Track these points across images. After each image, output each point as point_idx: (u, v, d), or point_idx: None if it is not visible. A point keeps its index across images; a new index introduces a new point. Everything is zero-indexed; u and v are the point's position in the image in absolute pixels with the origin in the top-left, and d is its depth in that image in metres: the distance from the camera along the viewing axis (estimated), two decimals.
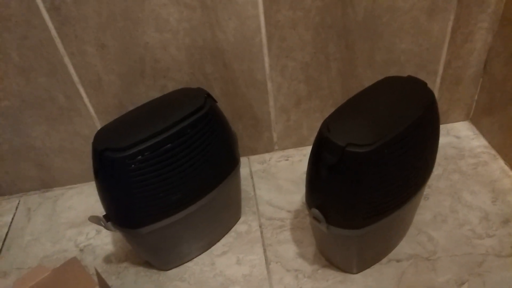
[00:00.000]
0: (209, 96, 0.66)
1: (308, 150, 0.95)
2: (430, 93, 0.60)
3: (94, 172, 0.61)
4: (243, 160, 0.93)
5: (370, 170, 0.54)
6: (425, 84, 0.62)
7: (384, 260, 0.71)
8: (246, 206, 0.84)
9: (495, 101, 0.85)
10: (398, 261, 0.70)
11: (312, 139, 0.93)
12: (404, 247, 0.72)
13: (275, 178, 0.89)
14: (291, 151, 0.95)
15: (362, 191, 0.55)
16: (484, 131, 0.92)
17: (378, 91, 0.62)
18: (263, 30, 0.76)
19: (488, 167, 0.85)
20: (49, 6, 0.69)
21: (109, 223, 0.65)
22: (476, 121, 0.94)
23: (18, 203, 0.92)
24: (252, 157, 0.95)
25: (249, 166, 0.93)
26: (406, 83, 0.62)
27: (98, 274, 0.65)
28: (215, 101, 0.67)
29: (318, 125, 0.91)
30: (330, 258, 0.71)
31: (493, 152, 0.88)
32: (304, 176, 0.88)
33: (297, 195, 0.85)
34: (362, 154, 0.52)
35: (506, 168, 0.84)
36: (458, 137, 0.93)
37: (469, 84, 0.90)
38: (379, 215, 0.59)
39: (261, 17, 0.74)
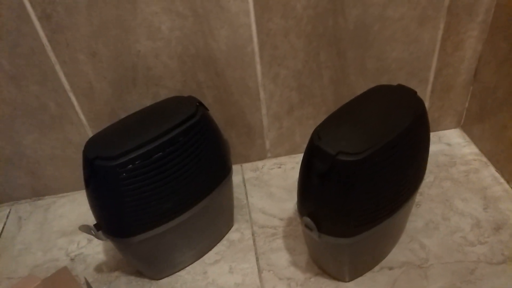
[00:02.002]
0: (200, 104, 0.66)
1: (301, 157, 0.95)
2: (420, 102, 0.61)
3: (85, 181, 0.61)
4: (236, 167, 0.93)
5: (361, 179, 0.54)
6: (415, 92, 0.62)
7: (377, 268, 0.71)
8: (238, 214, 0.84)
9: (486, 109, 0.86)
10: (390, 268, 0.70)
11: (305, 146, 0.94)
12: (396, 255, 0.72)
13: (268, 186, 0.89)
14: (284, 159, 0.95)
15: (353, 199, 0.56)
16: (475, 138, 0.92)
17: (369, 100, 0.62)
18: (255, 39, 0.76)
19: (479, 174, 0.85)
20: (40, 14, 0.69)
21: (99, 232, 0.64)
22: (467, 129, 0.95)
23: (9, 212, 0.91)
24: (245, 165, 0.95)
25: (242, 174, 0.93)
26: (396, 92, 0.63)
27: (88, 284, 0.64)
28: (206, 109, 0.67)
29: (310, 132, 0.91)
30: (323, 266, 0.70)
31: (484, 159, 0.88)
32: (297, 184, 0.89)
33: (290, 202, 0.85)
34: (353, 163, 0.52)
35: (497, 175, 0.85)
36: (449, 144, 0.93)
37: (460, 92, 0.90)
38: (371, 223, 0.59)
39: (253, 26, 0.75)
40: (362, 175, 0.54)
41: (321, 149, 0.54)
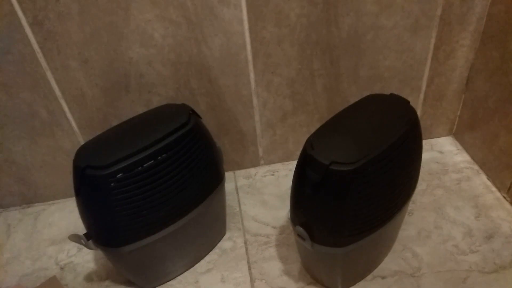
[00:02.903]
0: (193, 112, 0.66)
1: (294, 164, 0.94)
2: (413, 111, 0.61)
3: (75, 190, 0.60)
4: (229, 174, 0.93)
5: (354, 188, 0.54)
6: (408, 102, 0.62)
7: (369, 277, 0.71)
8: (231, 222, 0.83)
9: (478, 117, 0.87)
10: (383, 277, 0.70)
11: (298, 153, 0.94)
12: (388, 264, 0.72)
13: (261, 193, 0.89)
14: (277, 166, 0.95)
15: (346, 209, 0.55)
16: (467, 146, 0.93)
17: (362, 109, 0.62)
18: (249, 46, 0.76)
19: (471, 182, 0.86)
20: (31, 21, 0.68)
21: (90, 242, 0.64)
22: (459, 136, 0.96)
23: None
24: (238, 172, 0.95)
25: (234, 181, 0.92)
26: (388, 101, 0.63)
27: None
28: (199, 117, 0.67)
29: (304, 139, 0.90)
30: (315, 275, 0.70)
31: (476, 167, 0.89)
32: (290, 192, 0.88)
33: (283, 210, 0.84)
34: (346, 172, 0.52)
35: (489, 183, 0.85)
36: (441, 152, 0.94)
37: (452, 100, 0.91)
38: (364, 232, 0.59)
39: (246, 34, 0.75)
40: (355, 185, 0.54)
41: (314, 158, 0.54)
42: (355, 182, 0.54)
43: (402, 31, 0.79)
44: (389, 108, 0.61)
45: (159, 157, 0.60)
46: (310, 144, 0.56)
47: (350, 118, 0.61)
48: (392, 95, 0.63)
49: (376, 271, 0.71)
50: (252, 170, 0.95)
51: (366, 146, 0.55)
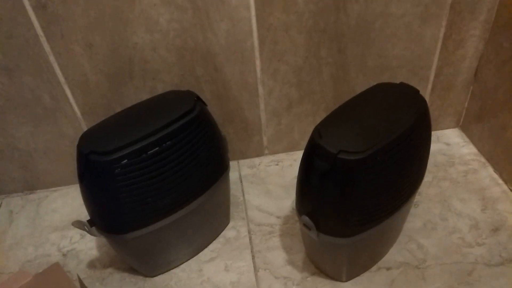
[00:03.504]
0: (198, 99, 0.65)
1: (299, 155, 0.94)
2: (423, 101, 0.60)
3: (79, 176, 0.60)
4: (233, 163, 0.92)
5: (362, 178, 0.53)
6: (418, 91, 0.61)
7: (374, 268, 0.70)
8: (235, 211, 0.83)
9: (486, 109, 0.85)
10: (388, 269, 0.70)
11: (303, 143, 0.93)
12: (394, 255, 0.71)
13: (265, 183, 0.88)
14: (281, 156, 0.94)
15: (353, 198, 0.55)
16: (474, 139, 0.92)
17: (370, 98, 0.61)
18: (255, 33, 0.75)
19: (477, 174, 0.85)
20: (35, 4, 0.67)
21: (93, 228, 0.63)
22: (466, 128, 0.94)
23: (0, 205, 0.89)
24: (242, 161, 0.94)
25: (238, 170, 0.92)
26: (398, 90, 0.62)
27: (80, 281, 0.63)
28: (205, 104, 0.66)
29: (309, 129, 0.90)
30: (320, 265, 0.70)
31: (483, 159, 0.88)
32: (294, 182, 0.87)
33: (287, 200, 0.84)
34: (354, 162, 0.51)
35: (496, 176, 0.84)
36: (448, 144, 0.93)
37: (460, 91, 0.90)
38: (371, 223, 0.58)
39: (253, 20, 0.73)
40: (363, 175, 0.53)
41: (322, 147, 0.53)
42: (363, 172, 0.53)
43: (411, 19, 0.77)
44: (398, 97, 0.60)
45: (164, 144, 0.59)
46: (317, 132, 0.55)
47: (359, 107, 0.59)
48: (401, 84, 0.62)
49: (381, 262, 0.71)
50: (256, 160, 0.94)
51: (375, 135, 0.54)
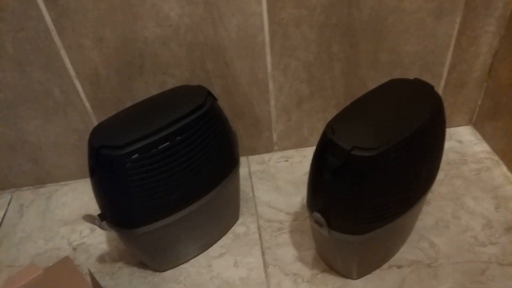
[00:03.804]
0: (209, 94, 0.64)
1: (308, 151, 0.94)
2: (437, 97, 0.59)
3: (90, 170, 0.59)
4: (242, 159, 0.92)
5: (375, 175, 0.52)
6: (432, 87, 0.60)
7: (385, 266, 0.69)
8: (244, 207, 0.82)
9: (500, 106, 0.84)
10: (399, 267, 0.69)
11: (313, 140, 0.93)
12: (405, 253, 0.71)
13: (274, 179, 0.88)
14: (291, 152, 0.94)
15: (366, 195, 0.54)
16: (487, 136, 0.90)
17: (384, 94, 0.60)
18: (266, 28, 0.74)
19: (491, 173, 0.84)
20: None
21: (103, 223, 0.63)
22: (479, 126, 0.93)
23: (11, 199, 0.90)
24: (251, 157, 0.93)
25: (248, 166, 0.91)
26: (412, 86, 0.61)
27: (91, 275, 0.63)
28: (215, 99, 0.65)
29: (319, 126, 0.90)
30: (330, 262, 0.69)
31: (496, 158, 0.87)
32: (304, 178, 0.87)
33: (297, 197, 0.83)
34: (368, 158, 0.51)
35: (509, 174, 0.83)
36: (460, 141, 0.91)
37: (473, 88, 0.88)
38: (383, 220, 0.57)
39: (264, 15, 0.73)
40: (377, 171, 0.52)
41: (335, 143, 0.52)
42: (377, 169, 0.52)
43: (425, 15, 0.76)
44: (413, 94, 0.59)
45: (174, 139, 0.58)
46: (330, 128, 0.54)
47: (372, 102, 0.59)
48: (416, 80, 0.61)
49: (392, 260, 0.70)
50: (266, 156, 0.93)
51: (389, 131, 0.53)
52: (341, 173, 0.53)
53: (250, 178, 0.89)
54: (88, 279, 0.62)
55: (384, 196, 0.55)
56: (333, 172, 0.53)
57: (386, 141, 0.52)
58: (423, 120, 0.54)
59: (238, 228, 0.79)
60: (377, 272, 0.69)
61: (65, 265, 0.63)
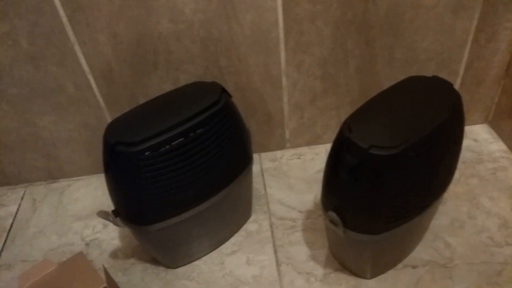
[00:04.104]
0: (224, 90, 0.64)
1: (321, 148, 0.93)
2: (457, 95, 0.58)
3: (104, 166, 0.59)
4: (254, 156, 0.90)
5: (393, 174, 0.51)
6: (451, 84, 0.59)
7: (400, 265, 0.69)
8: (256, 204, 0.82)
9: None
10: (414, 267, 0.68)
11: (326, 137, 0.92)
12: (420, 253, 0.70)
13: (287, 177, 0.87)
14: (303, 149, 0.93)
15: (383, 195, 0.53)
16: (503, 135, 0.89)
17: (402, 91, 0.59)
18: (281, 24, 0.73)
19: (507, 172, 0.82)
20: None
21: (117, 219, 0.63)
22: (495, 124, 0.91)
23: (24, 194, 0.90)
24: (263, 154, 0.93)
25: (260, 163, 0.91)
26: (431, 83, 0.60)
27: (106, 271, 0.63)
28: (230, 96, 0.65)
29: (332, 123, 0.89)
30: (344, 262, 0.68)
31: None
32: (316, 176, 0.86)
33: (309, 195, 0.82)
34: (386, 157, 0.50)
35: None
36: (476, 140, 0.90)
37: (490, 86, 0.87)
38: (399, 220, 0.56)
39: (279, 10, 0.72)
40: (395, 171, 0.51)
41: (352, 142, 0.51)
42: (395, 168, 0.51)
43: (443, 11, 0.74)
44: (431, 91, 0.58)
45: (189, 136, 0.58)
46: (347, 126, 0.54)
47: (390, 100, 0.58)
48: (434, 77, 0.60)
49: (406, 260, 0.69)
50: (278, 153, 0.93)
51: (408, 130, 0.52)
52: (358, 172, 0.52)
53: (262, 175, 0.88)
54: (102, 275, 0.62)
55: (402, 195, 0.54)
56: (350, 171, 0.53)
57: (405, 139, 0.51)
58: (443, 119, 0.53)
59: (250, 226, 0.78)
60: (391, 272, 0.68)
61: (79, 260, 0.63)
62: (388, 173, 0.51)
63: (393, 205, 0.54)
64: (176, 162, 0.58)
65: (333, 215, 0.57)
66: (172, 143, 0.57)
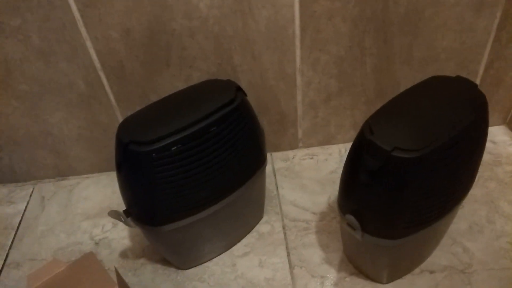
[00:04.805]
0: (239, 89, 0.62)
1: (334, 149, 0.91)
2: (482, 96, 0.56)
3: (117, 165, 0.58)
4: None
5: (416, 178, 0.50)
6: (476, 85, 0.57)
7: (417, 270, 0.67)
8: (268, 205, 0.80)
9: None
10: (431, 272, 0.66)
11: (340, 137, 0.90)
12: (438, 258, 0.68)
13: (299, 177, 0.85)
14: (316, 149, 0.91)
15: (405, 199, 0.51)
16: None
17: (424, 92, 0.57)
18: (297, 21, 0.71)
19: None
20: None
21: (129, 219, 0.62)
22: None
23: (32, 191, 0.89)
24: (275, 154, 0.91)
25: (272, 163, 0.89)
26: (454, 84, 0.58)
27: (117, 273, 0.62)
28: (245, 94, 0.63)
29: (347, 123, 0.87)
30: (359, 266, 0.67)
31: None
32: (330, 177, 0.85)
33: (323, 196, 0.81)
34: (410, 160, 0.48)
35: None
36: (494, 142, 0.88)
37: (510, 87, 0.84)
38: (420, 225, 0.55)
39: (296, 6, 0.70)
40: (418, 174, 0.49)
41: (374, 144, 0.49)
42: (418, 172, 0.49)
43: (464, 9, 0.72)
44: (455, 92, 0.56)
45: (203, 135, 0.56)
46: (368, 128, 0.52)
47: (412, 101, 0.56)
48: (458, 77, 0.58)
49: (424, 265, 0.67)
50: (290, 153, 0.91)
51: (432, 132, 0.50)
52: (380, 175, 0.50)
53: (274, 175, 0.86)
54: (113, 276, 0.61)
55: (424, 200, 0.52)
56: (371, 174, 0.51)
57: (429, 142, 0.49)
58: (468, 121, 0.51)
59: (262, 227, 0.77)
60: (408, 277, 0.66)
61: (89, 260, 0.62)
62: (410, 177, 0.50)
63: (414, 210, 0.53)
64: (190, 162, 0.57)
65: (351, 218, 0.55)
66: (187, 143, 0.55)
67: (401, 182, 0.50)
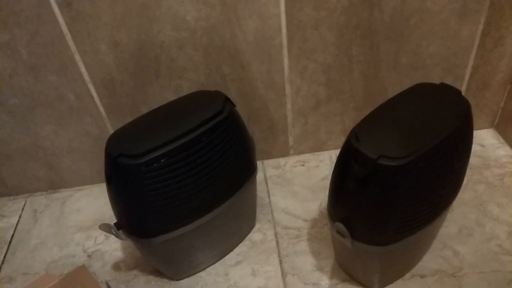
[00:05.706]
0: (227, 99, 0.63)
1: (325, 155, 0.92)
2: (466, 102, 0.56)
3: (106, 179, 0.58)
4: (257, 164, 0.90)
5: (403, 185, 0.50)
6: (460, 92, 0.58)
7: (408, 275, 0.67)
8: (260, 213, 0.80)
9: None
10: (422, 277, 0.67)
11: (330, 144, 0.91)
12: (428, 262, 0.69)
13: (291, 184, 0.86)
14: (307, 156, 0.92)
15: (392, 206, 0.52)
16: (510, 140, 0.88)
17: (410, 99, 0.58)
18: (284, 30, 0.72)
19: None
20: (60, 1, 0.65)
21: (120, 232, 0.62)
22: (501, 129, 0.90)
23: (24, 204, 0.89)
24: (267, 161, 0.91)
25: (263, 171, 0.89)
26: (439, 91, 0.59)
27: (108, 286, 0.62)
28: (233, 105, 0.64)
29: (337, 129, 0.88)
30: (351, 272, 0.67)
31: None
32: (321, 183, 0.85)
33: (314, 203, 0.81)
34: (396, 168, 0.49)
35: None
36: (482, 145, 0.89)
37: (496, 91, 0.86)
38: (409, 231, 0.55)
39: (282, 16, 0.71)
40: (404, 181, 0.50)
41: (360, 152, 0.50)
42: (405, 179, 0.50)
43: (448, 15, 0.73)
44: (440, 99, 0.57)
45: (193, 147, 0.57)
46: (355, 136, 0.52)
47: (398, 108, 0.56)
48: (442, 84, 0.59)
49: (415, 270, 0.68)
50: (282, 160, 0.91)
51: (417, 139, 0.51)
52: (366, 183, 0.51)
53: (266, 183, 0.87)
54: None
55: (412, 206, 0.53)
56: (358, 182, 0.51)
57: (415, 149, 0.49)
58: (452, 128, 0.52)
59: (254, 235, 0.77)
60: (399, 282, 0.67)
61: (81, 274, 0.62)
62: (397, 184, 0.50)
63: (403, 216, 0.53)
64: (180, 174, 0.57)
65: (340, 226, 0.56)
66: (176, 155, 0.56)
67: (388, 190, 0.51)
